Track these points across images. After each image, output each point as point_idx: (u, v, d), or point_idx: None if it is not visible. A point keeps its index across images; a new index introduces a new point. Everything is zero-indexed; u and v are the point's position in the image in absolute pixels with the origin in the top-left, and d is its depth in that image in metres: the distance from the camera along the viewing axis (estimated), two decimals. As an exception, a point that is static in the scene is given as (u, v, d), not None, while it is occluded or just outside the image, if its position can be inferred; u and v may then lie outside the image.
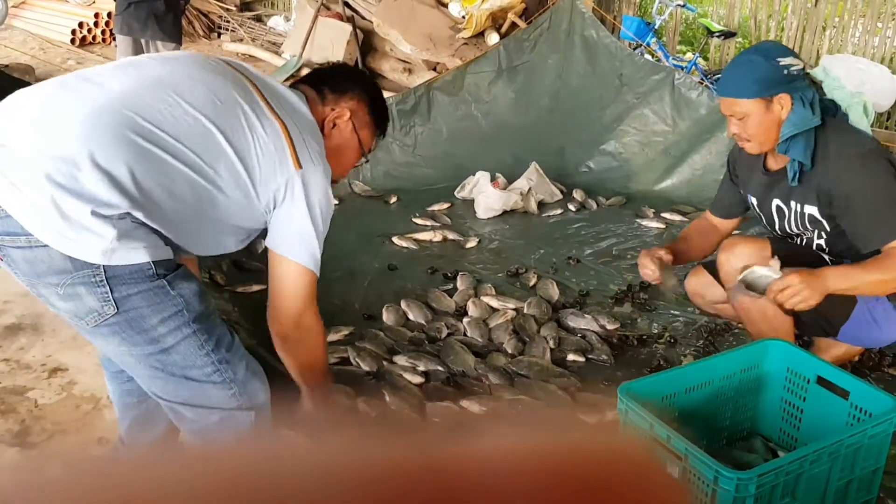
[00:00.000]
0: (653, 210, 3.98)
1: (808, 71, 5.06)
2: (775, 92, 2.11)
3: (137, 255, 1.47)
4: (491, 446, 0.29)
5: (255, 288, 2.96)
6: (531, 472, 0.27)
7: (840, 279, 2.07)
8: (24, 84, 3.58)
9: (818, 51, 5.54)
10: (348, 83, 1.90)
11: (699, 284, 2.55)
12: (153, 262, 1.49)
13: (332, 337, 2.67)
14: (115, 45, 5.74)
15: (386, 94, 5.59)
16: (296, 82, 1.91)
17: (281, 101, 1.72)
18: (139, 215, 1.47)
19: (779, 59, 2.12)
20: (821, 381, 1.94)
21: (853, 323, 2.23)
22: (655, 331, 2.79)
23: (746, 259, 2.23)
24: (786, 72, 2.11)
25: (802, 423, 2.00)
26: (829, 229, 2.22)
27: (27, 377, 2.59)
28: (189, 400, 1.60)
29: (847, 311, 2.21)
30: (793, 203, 2.27)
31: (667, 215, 3.93)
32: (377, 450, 0.29)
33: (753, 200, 2.42)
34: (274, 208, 1.66)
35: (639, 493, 0.28)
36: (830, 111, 2.21)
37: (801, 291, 2.03)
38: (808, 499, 1.67)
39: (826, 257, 2.27)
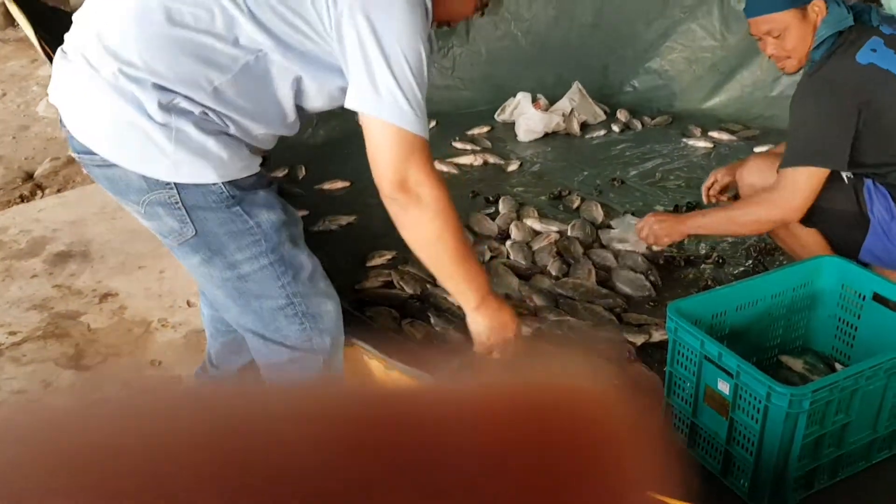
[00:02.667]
0: (700, 129, 3.86)
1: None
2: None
3: (205, 173, 1.42)
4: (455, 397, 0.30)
5: (339, 185, 3.10)
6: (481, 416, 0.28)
7: (698, 218, 2.33)
8: (62, 11, 3.56)
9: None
10: None
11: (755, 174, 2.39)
12: (226, 183, 1.45)
13: (376, 261, 2.67)
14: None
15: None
16: None
17: None
18: (195, 111, 1.40)
19: None
20: (877, 297, 1.88)
21: (872, 247, 2.18)
22: (703, 251, 2.73)
23: (757, 175, 2.29)
24: None
25: (856, 340, 1.96)
26: None
27: (79, 302, 2.65)
28: (262, 330, 1.58)
29: (861, 234, 2.17)
30: None
31: (714, 134, 3.80)
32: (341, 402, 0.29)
33: None
34: (342, 43, 1.36)
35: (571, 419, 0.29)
36: (860, 14, 2.12)
37: (655, 230, 2.35)
38: (862, 415, 1.65)
39: (845, 175, 2.15)
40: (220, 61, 1.42)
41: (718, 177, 2.57)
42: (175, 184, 1.43)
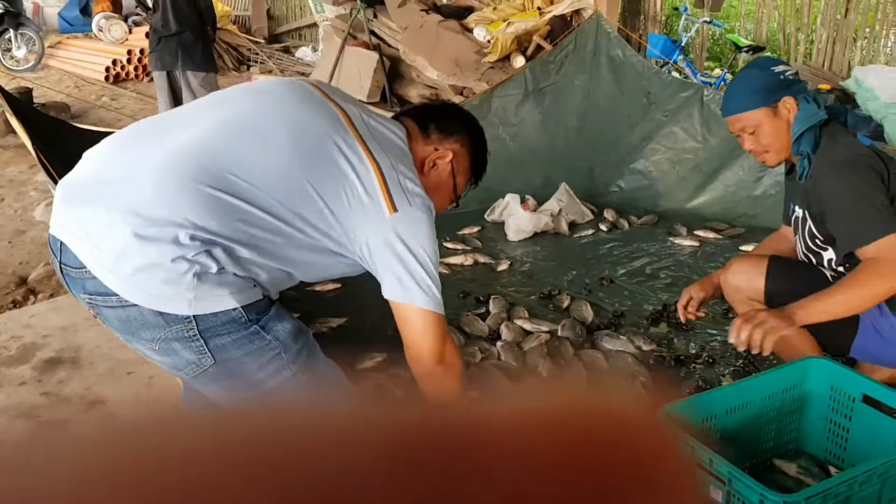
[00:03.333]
0: (686, 228, 3.94)
1: (841, 83, 5.01)
2: (778, 97, 2.14)
3: (224, 301, 1.45)
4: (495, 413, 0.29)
5: (331, 286, 3.10)
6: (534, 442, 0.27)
7: (803, 310, 2.00)
8: (60, 122, 3.67)
9: (849, 62, 5.46)
10: (456, 125, 1.84)
11: (740, 276, 2.37)
12: (243, 306, 1.48)
13: (367, 364, 2.66)
14: (148, 80, 5.87)
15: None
16: (399, 114, 1.87)
17: (374, 132, 1.64)
18: (220, 257, 1.45)
19: (772, 68, 2.17)
20: (867, 399, 1.88)
21: (861, 345, 2.19)
22: (693, 351, 2.74)
23: (741, 277, 2.30)
24: (782, 77, 2.16)
25: (849, 442, 1.94)
26: (826, 242, 2.21)
27: (67, 410, 2.61)
28: None
29: (851, 331, 2.18)
30: (798, 209, 2.30)
31: (700, 233, 3.88)
32: (382, 413, 0.29)
33: (789, 206, 2.43)
34: (372, 257, 1.59)
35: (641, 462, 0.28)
36: (836, 114, 2.20)
37: (757, 336, 1.93)
38: (858, 522, 1.62)
39: (828, 275, 2.19)
40: (260, 235, 1.51)
41: (693, 293, 2.49)
42: (194, 316, 1.45)
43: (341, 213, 1.55)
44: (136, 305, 1.44)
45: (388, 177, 1.57)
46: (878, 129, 4.41)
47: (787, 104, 2.15)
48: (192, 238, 1.42)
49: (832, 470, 1.94)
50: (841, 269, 2.21)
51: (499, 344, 2.80)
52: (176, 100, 5.25)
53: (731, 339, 2.01)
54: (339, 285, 3.29)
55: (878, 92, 4.51)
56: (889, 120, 4.32)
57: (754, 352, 1.96)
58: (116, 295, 1.44)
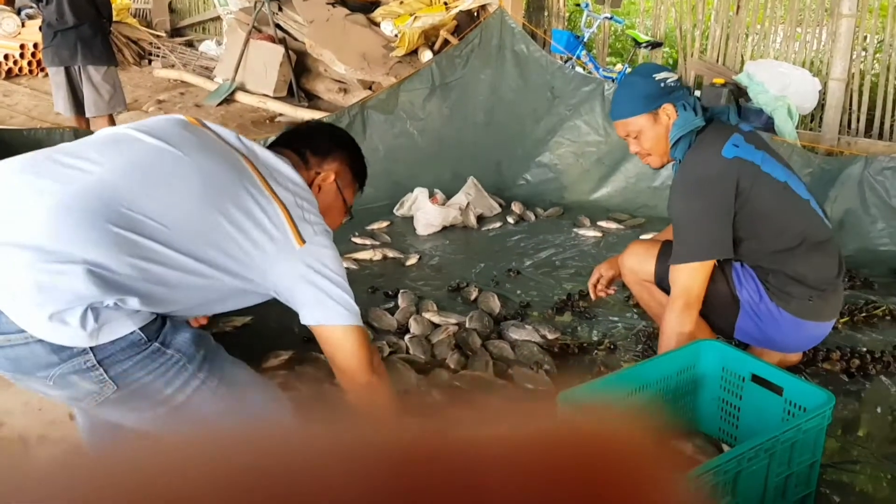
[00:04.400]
0: (589, 219, 4.02)
1: (734, 77, 5.21)
2: (658, 104, 2.25)
3: (123, 327, 1.42)
4: (485, 435, 0.30)
5: (239, 322, 2.92)
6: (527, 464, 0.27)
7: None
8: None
9: (742, 57, 5.70)
10: (329, 144, 1.90)
11: (634, 258, 2.52)
12: (141, 328, 1.44)
13: (272, 362, 2.62)
14: (43, 76, 5.60)
15: (319, 115, 5.54)
16: (273, 144, 1.87)
17: (274, 173, 1.67)
18: (133, 302, 1.42)
19: (654, 76, 2.27)
20: (755, 378, 1.97)
21: (744, 328, 2.33)
22: (595, 338, 2.81)
23: (635, 260, 2.46)
24: (663, 85, 2.26)
25: (740, 420, 2.03)
26: None
27: (-50, 422, 2.47)
28: None
29: (732, 314, 2.31)
30: None
31: (603, 224, 3.97)
32: (377, 434, 0.30)
33: None
34: (288, 289, 1.62)
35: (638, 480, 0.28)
36: (719, 114, 2.31)
37: None
38: (747, 496, 1.69)
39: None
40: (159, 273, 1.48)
41: (602, 272, 2.64)
42: (90, 347, 1.39)
43: (256, 250, 1.56)
44: (26, 344, 1.37)
45: (293, 213, 1.61)
46: (768, 121, 4.60)
47: (667, 111, 2.26)
48: (93, 276, 1.37)
49: (725, 447, 2.02)
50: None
51: (407, 337, 2.80)
52: (75, 96, 5.01)
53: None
54: (243, 283, 3.23)
55: (767, 86, 4.71)
56: (778, 112, 4.52)
57: None
58: (7, 334, 1.37)
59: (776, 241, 2.23)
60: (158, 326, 1.49)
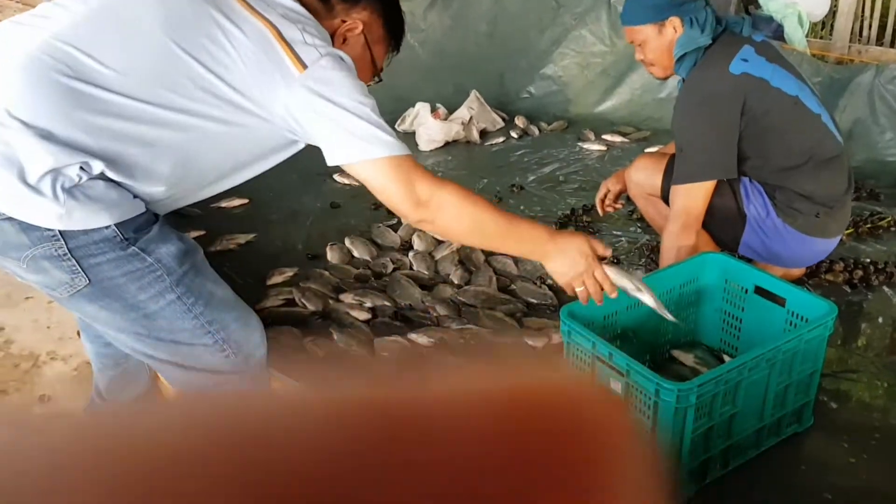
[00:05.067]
0: (594, 133, 3.97)
1: (744, -16, 5.04)
2: (666, 16, 2.20)
3: (97, 218, 1.34)
4: (439, 390, 0.30)
5: (237, 202, 2.99)
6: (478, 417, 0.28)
7: None
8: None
9: (753, -37, 5.51)
10: None
11: (641, 172, 2.47)
12: (117, 224, 1.37)
13: (276, 279, 2.63)
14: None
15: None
16: None
17: (267, 2, 1.47)
18: (96, 165, 1.33)
19: None
20: (758, 290, 1.97)
21: (749, 243, 2.32)
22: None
23: (642, 174, 2.41)
24: None
25: (742, 332, 2.04)
26: None
27: (-39, 340, 2.51)
28: (181, 362, 1.50)
29: (738, 229, 2.30)
30: None
31: (608, 137, 3.92)
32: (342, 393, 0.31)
33: None
34: (299, 123, 1.44)
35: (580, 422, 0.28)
36: (731, 26, 2.24)
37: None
38: (748, 405, 1.72)
39: None
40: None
41: (609, 186, 2.64)
42: (61, 233, 1.34)
43: (238, 81, 1.40)
44: None
45: (287, 34, 1.41)
46: (778, 29, 4.47)
47: (674, 24, 2.20)
48: (57, 145, 1.31)
49: (726, 358, 2.04)
50: None
51: (411, 254, 2.80)
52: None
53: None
54: (246, 201, 3.21)
55: (779, -8, 4.57)
56: (788, 20, 4.38)
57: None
58: None
59: (783, 158, 2.20)
60: (140, 226, 1.42)
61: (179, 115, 1.39)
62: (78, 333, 2.50)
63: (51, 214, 1.32)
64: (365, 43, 1.68)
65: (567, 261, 1.64)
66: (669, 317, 1.76)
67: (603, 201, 2.63)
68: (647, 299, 1.73)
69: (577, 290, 1.68)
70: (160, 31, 1.38)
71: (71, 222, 1.34)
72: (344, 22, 1.63)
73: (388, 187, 1.48)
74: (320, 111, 1.41)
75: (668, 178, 2.30)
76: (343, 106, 1.41)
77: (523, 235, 1.63)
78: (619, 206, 2.66)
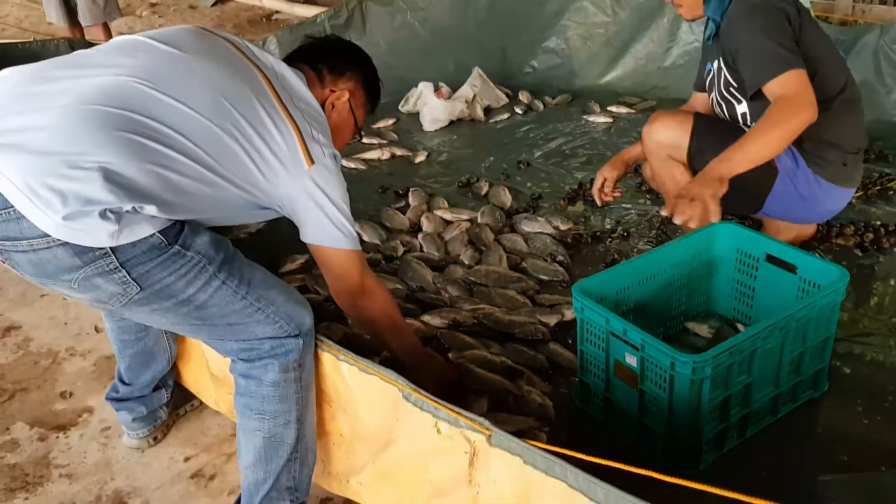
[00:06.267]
0: (599, 105, 3.95)
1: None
2: None
3: (143, 230, 1.44)
4: None
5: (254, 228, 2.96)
6: None
7: (726, 163, 1.94)
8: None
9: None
10: (346, 63, 1.89)
11: (666, 131, 2.37)
12: (160, 231, 1.46)
13: (289, 266, 2.64)
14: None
15: (317, 10, 5.37)
16: (291, 57, 1.87)
17: (288, 90, 1.70)
18: (150, 208, 1.42)
19: None
20: (770, 258, 1.97)
21: (777, 197, 2.28)
22: (608, 226, 2.80)
23: (666, 133, 2.32)
24: None
25: (755, 300, 2.05)
26: (741, 91, 2.25)
27: (-20, 339, 2.54)
28: (237, 338, 1.62)
29: (768, 184, 2.26)
30: (713, 64, 2.36)
31: (613, 109, 3.90)
32: None
33: (704, 68, 2.49)
34: (293, 206, 1.66)
35: None
36: None
37: (695, 212, 1.81)
38: (763, 373, 1.73)
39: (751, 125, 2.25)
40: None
41: (606, 174, 2.56)
42: (112, 249, 1.41)
43: (265, 167, 1.58)
44: (48, 248, 1.39)
45: (304, 132, 1.63)
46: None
47: None
48: (109, 180, 1.37)
49: (740, 327, 2.05)
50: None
51: (420, 235, 2.81)
52: (67, 4, 4.85)
53: (677, 220, 1.85)
54: (253, 189, 3.22)
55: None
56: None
57: (693, 226, 1.85)
58: (30, 239, 1.38)
59: (817, 90, 2.06)
60: (178, 230, 1.51)
61: (218, 178, 1.53)
62: (96, 329, 2.53)
63: (103, 235, 1.39)
64: (350, 109, 1.88)
65: (428, 375, 1.90)
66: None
67: (601, 190, 2.57)
68: None
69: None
70: (210, 108, 1.53)
71: (121, 238, 1.41)
72: (333, 91, 1.85)
73: (348, 273, 1.73)
74: (315, 200, 1.63)
75: (696, 139, 2.26)
76: (333, 200, 1.65)
77: (411, 340, 1.97)
78: (618, 194, 2.59)
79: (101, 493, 1.93)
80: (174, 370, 2.09)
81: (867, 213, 2.77)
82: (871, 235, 2.57)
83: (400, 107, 4.08)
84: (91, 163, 1.37)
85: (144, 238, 1.44)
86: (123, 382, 2.02)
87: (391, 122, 3.95)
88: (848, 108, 2.23)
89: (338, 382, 1.68)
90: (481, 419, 1.37)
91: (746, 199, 2.31)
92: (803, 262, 1.89)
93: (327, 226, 1.66)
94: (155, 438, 2.06)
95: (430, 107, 3.91)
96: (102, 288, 1.45)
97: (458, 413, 1.40)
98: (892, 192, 2.90)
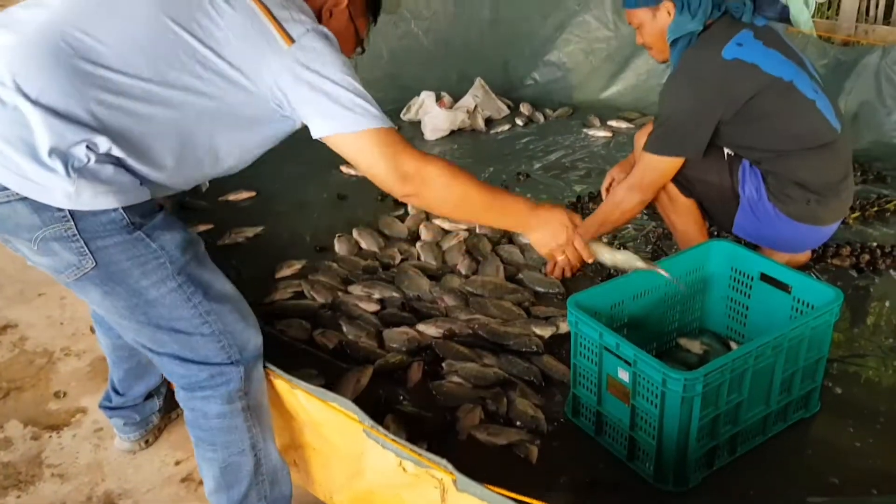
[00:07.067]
0: (599, 119, 3.97)
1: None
2: (659, 0, 2.24)
3: (105, 199, 1.38)
4: None
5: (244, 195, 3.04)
6: None
7: (590, 221, 2.43)
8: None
9: (758, -57, 5.46)
10: None
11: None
12: (124, 208, 1.41)
13: (285, 272, 2.65)
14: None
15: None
16: None
17: None
18: (102, 142, 1.36)
19: None
20: (764, 277, 1.98)
21: (742, 223, 2.35)
22: (605, 239, 2.81)
23: None
24: None
25: (748, 318, 2.05)
26: None
27: (-24, 337, 2.54)
28: (178, 352, 1.54)
29: (731, 207, 2.33)
30: None
31: (613, 123, 3.92)
32: None
33: None
34: (286, 97, 1.46)
35: None
36: (736, 13, 2.23)
37: (564, 263, 2.06)
38: (754, 393, 1.73)
39: (726, 152, 2.32)
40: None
41: (615, 175, 2.65)
42: (71, 213, 1.37)
43: (230, 54, 1.43)
44: (8, 202, 1.37)
45: (273, 9, 1.45)
46: (784, 11, 4.45)
47: (667, 8, 2.24)
48: (62, 121, 1.34)
49: (732, 345, 2.05)
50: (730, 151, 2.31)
51: (418, 244, 2.82)
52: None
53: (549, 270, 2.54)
54: (253, 193, 3.23)
55: (784, -27, 4.54)
56: (793, 1, 4.36)
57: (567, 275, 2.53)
58: None
59: (774, 143, 2.21)
60: (146, 212, 1.46)
61: (175, 91, 1.41)
62: (91, 329, 2.53)
63: (61, 192, 1.35)
64: (349, 17, 1.71)
65: (548, 232, 1.76)
66: (663, 272, 1.86)
67: (608, 190, 2.64)
68: (633, 263, 1.83)
69: (558, 258, 1.81)
70: (154, 7, 1.42)
71: (80, 202, 1.36)
72: None
73: (375, 161, 1.50)
74: (309, 82, 1.44)
75: None
76: (331, 78, 1.44)
77: (508, 208, 1.72)
78: None
79: (92, 494, 1.93)
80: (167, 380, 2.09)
81: (864, 234, 2.78)
82: (867, 257, 2.58)
83: (402, 115, 4.09)
84: (32, 103, 1.33)
85: (106, 210, 1.39)
86: (117, 392, 2.00)
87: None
88: (815, 151, 2.21)
89: (298, 409, 1.65)
90: (444, 462, 1.33)
91: (720, 217, 2.40)
92: (798, 281, 1.90)
93: (332, 108, 1.45)
94: (147, 442, 2.06)
95: (432, 116, 3.93)
96: (60, 255, 1.41)
97: (419, 455, 1.37)
98: (888, 214, 2.91)
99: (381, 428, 1.43)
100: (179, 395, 1.61)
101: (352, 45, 1.78)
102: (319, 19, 1.61)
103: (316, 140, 1.54)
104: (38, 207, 1.37)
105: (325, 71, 1.44)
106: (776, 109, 2.17)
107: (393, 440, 1.41)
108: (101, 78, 1.37)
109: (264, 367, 1.65)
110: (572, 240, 1.76)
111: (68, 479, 1.98)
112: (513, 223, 1.78)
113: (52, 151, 1.33)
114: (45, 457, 2.05)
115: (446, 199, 1.61)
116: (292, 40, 1.43)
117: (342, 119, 1.45)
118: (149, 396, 2.03)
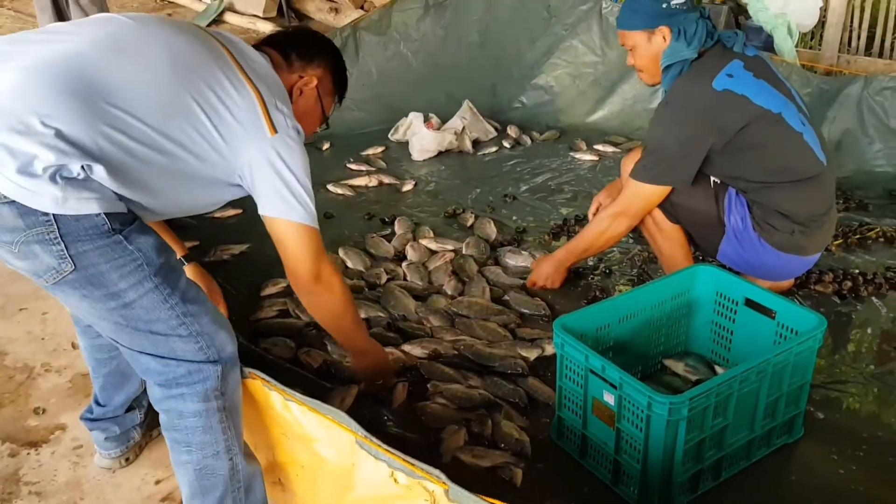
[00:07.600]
0: (585, 142, 3.99)
1: (734, -6, 5.08)
2: (656, 24, 2.25)
3: (89, 205, 1.43)
4: None
5: (230, 212, 3.10)
6: None
7: (574, 246, 2.56)
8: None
9: (743, -27, 5.54)
10: (315, 50, 1.90)
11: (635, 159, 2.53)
12: (106, 214, 1.45)
13: (270, 290, 2.64)
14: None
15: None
16: (260, 43, 1.87)
17: (252, 64, 1.69)
18: (98, 170, 1.43)
19: None
20: (749, 302, 1.99)
21: (726, 251, 2.37)
22: (591, 263, 2.82)
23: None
24: (666, 5, 2.23)
25: (733, 343, 2.07)
26: None
27: (-45, 351, 2.51)
28: (155, 352, 1.58)
29: (716, 235, 2.36)
30: None
31: (600, 147, 3.95)
32: None
33: None
34: (252, 173, 1.63)
35: None
36: (723, 40, 2.27)
37: (544, 281, 2.60)
38: (739, 417, 1.74)
39: (713, 179, 2.35)
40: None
41: (601, 200, 2.67)
42: (54, 217, 1.40)
43: (225, 130, 1.58)
44: None
45: (267, 100, 1.63)
46: (768, 40, 4.51)
47: (663, 33, 2.25)
48: (59, 137, 1.40)
49: (718, 369, 2.06)
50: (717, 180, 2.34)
51: (404, 264, 2.81)
52: (61, 19, 4.85)
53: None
54: (239, 211, 3.22)
55: (768, 3, 4.60)
56: (778, 31, 4.42)
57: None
58: None
59: (760, 174, 2.24)
60: (125, 220, 1.51)
61: (170, 142, 1.53)
62: (73, 345, 2.51)
63: (49, 198, 1.39)
64: (317, 96, 1.89)
65: (371, 366, 2.10)
66: None
67: (595, 215, 2.65)
68: None
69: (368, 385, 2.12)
70: (168, 72, 1.54)
71: (66, 207, 1.41)
72: (301, 77, 1.85)
73: (302, 252, 1.72)
74: (276, 169, 1.62)
75: None
76: (295, 172, 1.64)
77: (360, 338, 2.06)
78: None
79: (70, 513, 1.90)
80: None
81: (846, 261, 2.81)
82: (849, 283, 2.61)
83: (389, 135, 4.10)
84: (42, 122, 1.40)
85: (89, 215, 1.43)
86: (98, 404, 2.00)
87: (380, 149, 3.97)
88: (801, 184, 2.24)
89: (290, 420, 1.65)
90: (437, 472, 1.34)
91: (705, 243, 2.43)
92: (782, 307, 1.92)
93: (286, 196, 1.64)
94: (127, 459, 2.04)
95: (420, 136, 3.94)
96: (40, 258, 1.44)
97: (412, 465, 1.38)
98: (870, 241, 2.94)
99: (374, 438, 1.45)
100: (155, 395, 1.63)
101: (317, 121, 1.97)
102: (291, 97, 1.79)
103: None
104: (25, 212, 1.40)
105: (292, 165, 1.64)
106: (764, 141, 2.19)
107: (386, 450, 1.42)
108: (111, 115, 1.47)
109: (262, 379, 1.69)
110: (387, 383, 2.13)
111: (46, 497, 1.95)
112: (357, 347, 2.08)
113: (49, 167, 1.39)
114: (22, 474, 2.02)
115: (334, 311, 1.89)
116: (276, 131, 1.62)
117: (290, 208, 1.65)
118: (130, 409, 2.02)
